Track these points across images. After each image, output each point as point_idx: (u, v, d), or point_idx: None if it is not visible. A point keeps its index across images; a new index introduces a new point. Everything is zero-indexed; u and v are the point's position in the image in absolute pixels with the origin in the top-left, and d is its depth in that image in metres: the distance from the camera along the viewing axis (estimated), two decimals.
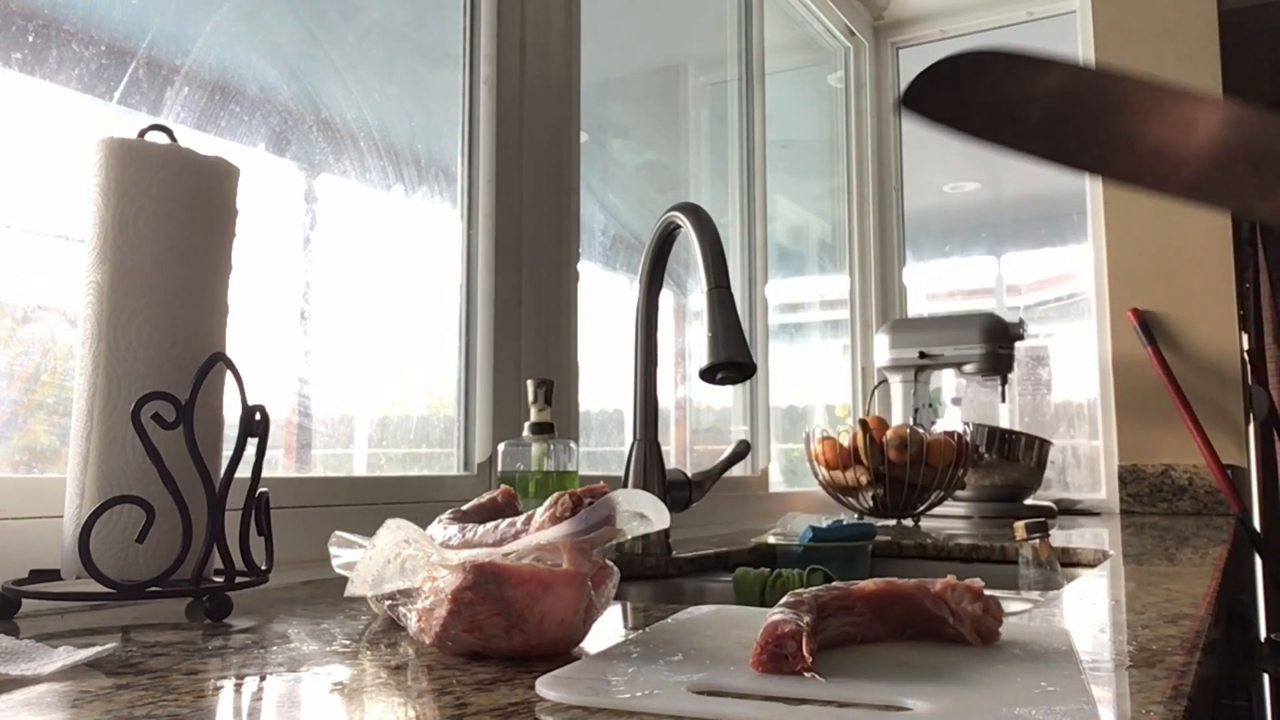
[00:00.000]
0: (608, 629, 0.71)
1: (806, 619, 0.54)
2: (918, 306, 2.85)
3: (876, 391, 2.41)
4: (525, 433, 1.10)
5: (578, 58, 1.53)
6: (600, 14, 1.63)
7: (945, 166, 3.12)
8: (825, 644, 0.58)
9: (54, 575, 0.76)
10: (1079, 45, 2.46)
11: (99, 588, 0.71)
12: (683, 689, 0.49)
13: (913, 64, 2.80)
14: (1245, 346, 2.47)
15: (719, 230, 1.10)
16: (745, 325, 2.04)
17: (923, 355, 2.18)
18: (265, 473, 0.82)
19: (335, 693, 0.52)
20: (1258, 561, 2.41)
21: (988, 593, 0.62)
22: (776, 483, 2.22)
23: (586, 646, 0.63)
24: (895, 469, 1.78)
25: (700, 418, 2.09)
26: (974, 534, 1.61)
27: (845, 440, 1.82)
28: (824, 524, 1.29)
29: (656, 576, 1.21)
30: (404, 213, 1.34)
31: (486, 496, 0.77)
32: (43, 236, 0.94)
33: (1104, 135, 0.46)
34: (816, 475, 1.90)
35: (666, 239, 1.21)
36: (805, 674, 0.51)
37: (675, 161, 2.15)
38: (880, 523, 1.79)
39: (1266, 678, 2.34)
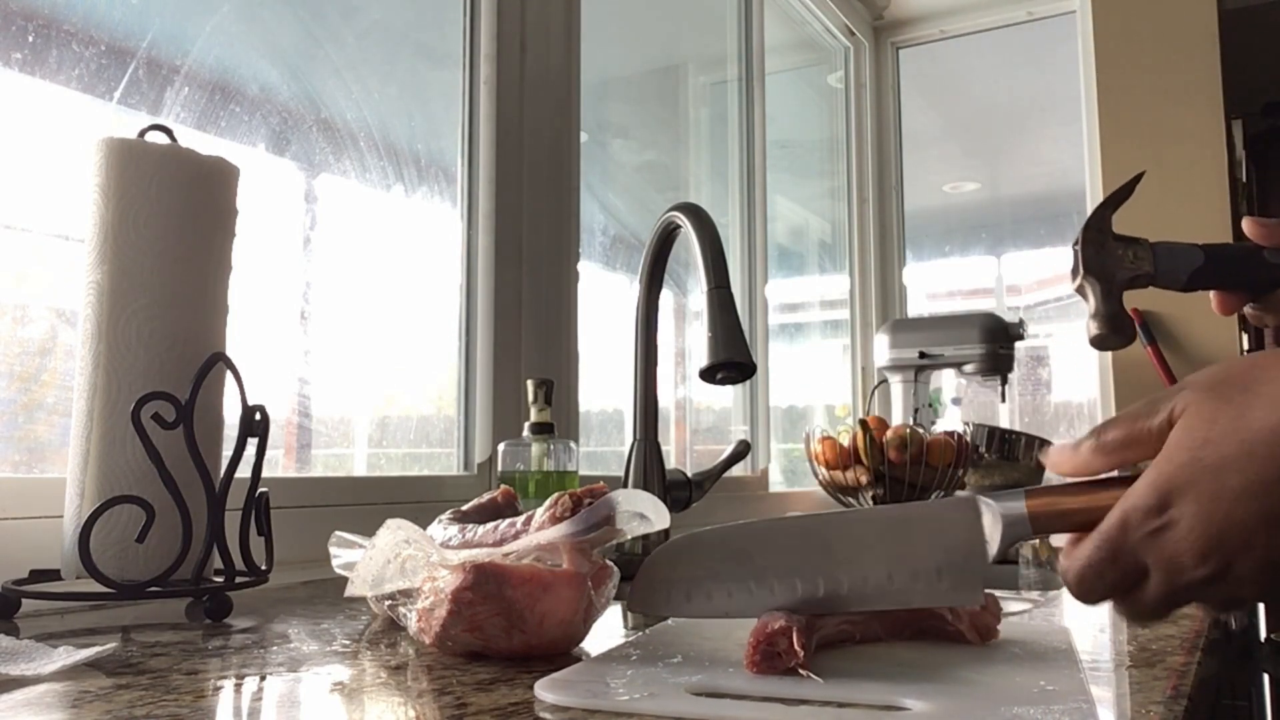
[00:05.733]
0: (607, 629, 0.71)
1: (799, 616, 0.54)
2: (918, 306, 2.85)
3: (876, 391, 2.41)
4: (525, 433, 1.10)
5: (578, 58, 1.53)
6: (600, 14, 1.63)
7: (945, 166, 3.12)
8: (824, 643, 0.58)
9: (54, 575, 0.76)
10: (1079, 45, 2.46)
11: (99, 588, 0.71)
12: (681, 690, 0.49)
13: (913, 64, 2.80)
14: (1245, 346, 2.47)
15: (719, 230, 1.09)
16: (745, 325, 2.04)
17: (923, 355, 2.18)
18: (265, 473, 0.82)
19: (335, 693, 0.52)
20: None
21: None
22: (776, 483, 2.22)
23: (586, 647, 0.63)
24: (895, 469, 1.78)
25: (700, 418, 2.09)
26: None
27: (845, 440, 1.82)
28: None
29: None
30: (404, 213, 1.34)
31: (486, 496, 0.77)
32: (43, 236, 0.94)
33: None
34: (816, 475, 1.90)
35: (666, 239, 1.20)
36: (801, 671, 0.51)
37: (675, 161, 2.14)
38: None
39: (1266, 678, 2.34)
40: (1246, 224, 0.66)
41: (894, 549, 0.53)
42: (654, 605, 0.59)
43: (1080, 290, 0.71)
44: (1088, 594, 0.47)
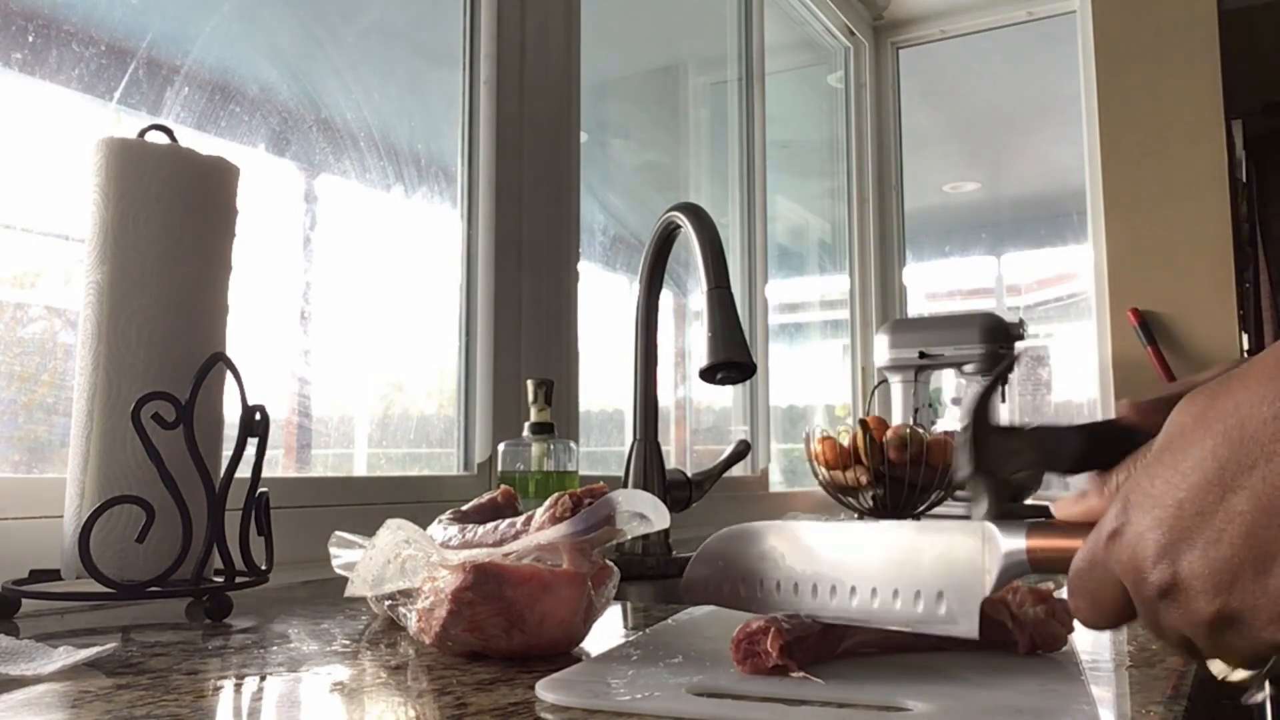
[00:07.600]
0: (608, 629, 0.71)
1: (793, 617, 0.53)
2: (918, 306, 2.85)
3: (876, 391, 2.41)
4: (525, 433, 1.10)
5: (578, 58, 1.53)
6: (600, 14, 1.63)
7: (945, 166, 3.12)
8: (845, 653, 0.56)
9: (54, 575, 0.76)
10: (1079, 45, 2.46)
11: (99, 588, 0.71)
12: (682, 690, 0.49)
13: (913, 64, 2.80)
14: (1245, 346, 2.47)
15: (719, 230, 1.09)
16: (745, 325, 2.04)
17: (923, 355, 2.18)
18: (265, 473, 0.82)
19: (335, 693, 0.52)
20: None
21: (1056, 597, 0.59)
22: (776, 483, 2.22)
23: (587, 647, 0.63)
24: (895, 469, 1.78)
25: (700, 418, 2.09)
26: None
27: (845, 440, 1.82)
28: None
29: (656, 576, 1.21)
30: (404, 213, 1.34)
31: (486, 496, 0.77)
32: (43, 236, 0.94)
33: None
34: (816, 475, 1.90)
35: (666, 239, 1.20)
36: (793, 673, 0.51)
37: (675, 161, 2.14)
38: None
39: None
40: (1121, 407, 0.64)
41: (904, 566, 0.52)
42: (704, 593, 0.60)
43: (971, 487, 0.68)
44: (1075, 610, 0.45)
